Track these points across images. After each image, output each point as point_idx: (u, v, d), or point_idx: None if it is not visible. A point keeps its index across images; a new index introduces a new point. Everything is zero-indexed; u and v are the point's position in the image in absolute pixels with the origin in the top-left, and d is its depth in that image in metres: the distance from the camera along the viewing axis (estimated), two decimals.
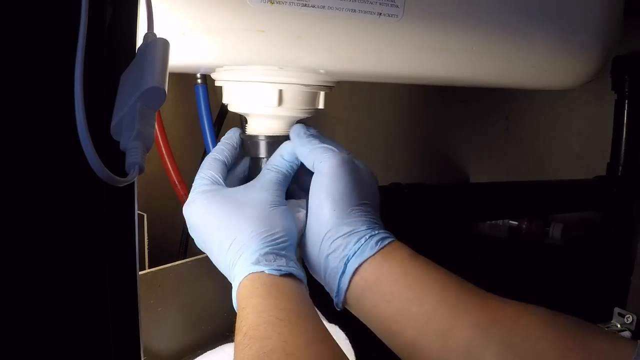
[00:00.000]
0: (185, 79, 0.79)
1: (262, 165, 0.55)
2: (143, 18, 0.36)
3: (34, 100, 0.30)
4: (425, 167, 1.35)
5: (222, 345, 0.71)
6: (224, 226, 0.49)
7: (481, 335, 0.43)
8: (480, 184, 1.16)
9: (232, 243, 0.47)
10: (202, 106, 0.73)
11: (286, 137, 0.56)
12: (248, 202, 0.50)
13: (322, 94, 0.58)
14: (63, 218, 0.32)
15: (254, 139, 0.57)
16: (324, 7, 0.49)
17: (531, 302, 0.45)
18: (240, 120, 0.67)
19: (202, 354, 0.70)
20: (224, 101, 0.58)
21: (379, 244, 0.48)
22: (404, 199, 0.85)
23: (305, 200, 0.53)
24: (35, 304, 0.31)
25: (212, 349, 0.71)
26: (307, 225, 0.51)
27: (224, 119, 0.81)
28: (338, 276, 0.49)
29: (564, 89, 0.69)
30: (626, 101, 0.97)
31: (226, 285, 0.48)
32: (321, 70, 0.55)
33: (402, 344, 0.47)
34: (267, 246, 0.47)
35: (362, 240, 0.48)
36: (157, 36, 0.36)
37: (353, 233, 0.49)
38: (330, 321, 0.64)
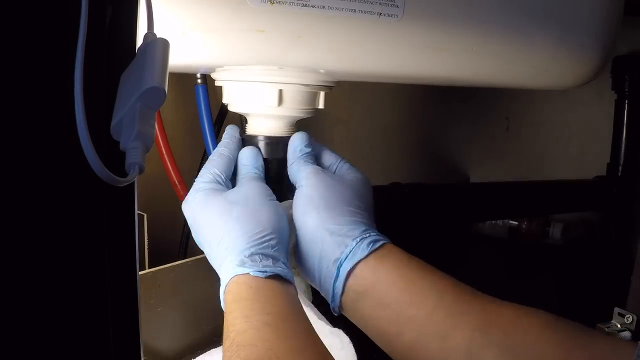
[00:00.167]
0: (185, 79, 0.79)
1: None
2: (143, 18, 0.36)
3: (34, 100, 0.30)
4: (425, 167, 1.35)
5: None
6: (213, 226, 0.49)
7: (480, 337, 0.43)
8: (480, 184, 1.16)
9: (219, 243, 0.47)
10: (202, 106, 0.73)
11: (286, 138, 0.56)
12: (238, 201, 0.49)
13: (322, 94, 0.58)
14: (63, 218, 0.32)
15: (253, 139, 0.57)
16: (324, 7, 0.49)
17: (531, 302, 0.45)
18: (240, 120, 0.67)
19: (202, 354, 0.70)
20: (224, 101, 0.58)
21: (370, 246, 0.48)
22: (404, 198, 0.85)
23: None
24: (35, 304, 0.31)
25: (212, 348, 0.71)
26: (297, 236, 0.51)
27: (224, 119, 0.81)
28: (332, 280, 0.48)
29: (564, 89, 0.69)
30: (626, 101, 0.97)
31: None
32: (321, 70, 0.55)
33: (400, 347, 0.46)
34: (253, 246, 0.46)
35: (353, 242, 0.48)
36: (157, 36, 0.36)
37: (343, 236, 0.48)
38: (334, 325, 0.64)
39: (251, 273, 0.44)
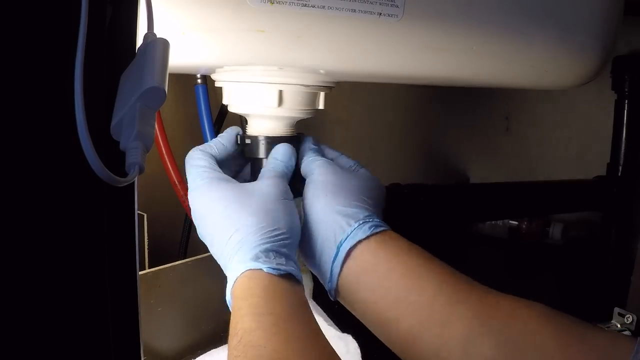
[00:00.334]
0: (185, 79, 0.79)
1: (263, 166, 0.55)
2: (143, 18, 0.36)
3: (34, 100, 0.30)
4: (425, 168, 1.35)
5: (225, 345, 0.71)
6: (227, 216, 0.47)
7: (479, 326, 0.43)
8: (480, 184, 1.16)
9: (232, 235, 0.46)
10: (202, 106, 0.73)
11: (286, 138, 0.56)
12: (254, 194, 0.49)
13: (322, 95, 0.58)
14: (63, 218, 0.32)
15: (254, 140, 0.57)
16: (324, 7, 0.49)
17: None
18: (241, 121, 0.67)
19: (202, 354, 0.70)
20: (224, 102, 0.58)
21: (372, 229, 0.48)
22: (404, 199, 0.85)
23: None
24: (35, 304, 0.31)
25: (212, 348, 0.71)
26: (304, 222, 0.51)
27: (224, 119, 0.81)
28: (331, 260, 0.48)
29: (564, 89, 0.69)
30: (626, 101, 0.97)
31: (226, 285, 0.48)
32: (321, 71, 0.55)
33: (397, 333, 0.46)
34: (268, 242, 0.46)
35: (356, 224, 0.48)
36: (157, 36, 0.36)
37: (347, 217, 0.49)
38: (343, 330, 0.64)
39: (264, 269, 0.43)
